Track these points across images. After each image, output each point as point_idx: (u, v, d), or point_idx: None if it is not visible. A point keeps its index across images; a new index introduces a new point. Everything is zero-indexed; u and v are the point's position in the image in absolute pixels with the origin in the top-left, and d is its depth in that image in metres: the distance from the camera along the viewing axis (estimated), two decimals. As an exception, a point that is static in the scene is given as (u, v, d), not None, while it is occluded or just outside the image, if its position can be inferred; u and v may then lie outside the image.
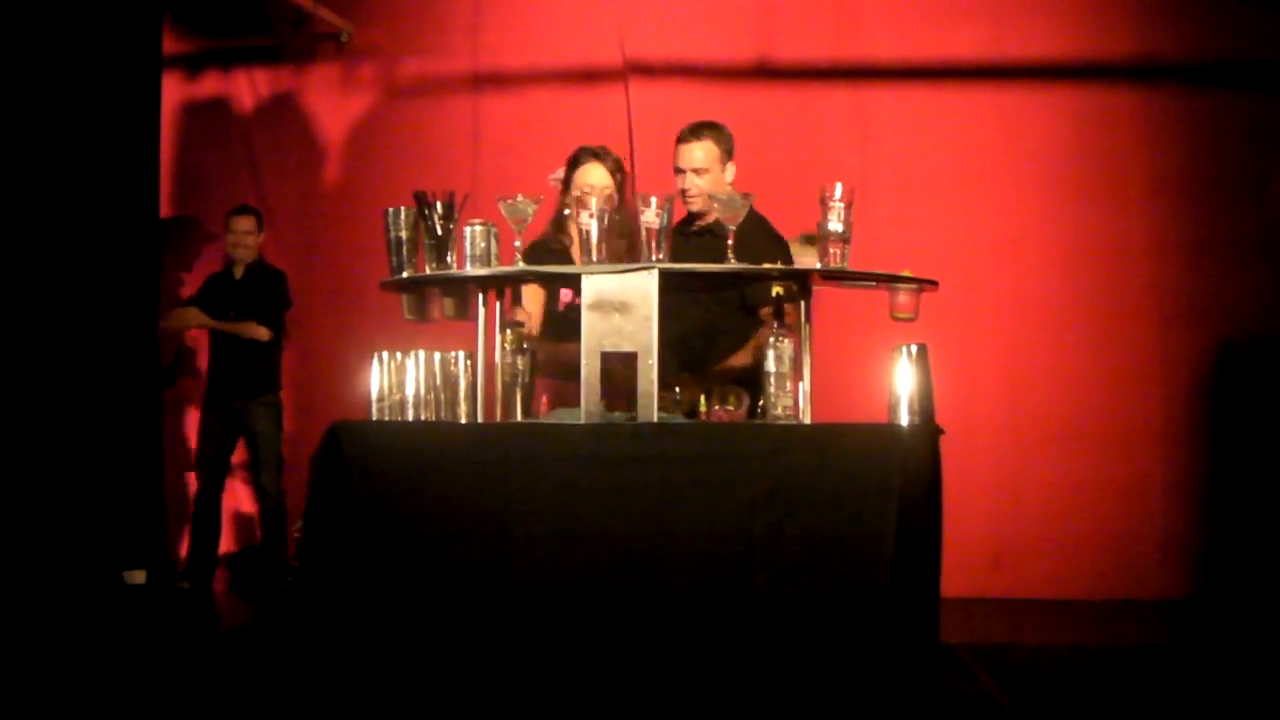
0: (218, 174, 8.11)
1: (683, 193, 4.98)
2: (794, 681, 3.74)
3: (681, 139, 5.03)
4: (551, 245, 5.02)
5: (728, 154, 5.02)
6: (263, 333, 7.27)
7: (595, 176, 4.95)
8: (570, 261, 4.85)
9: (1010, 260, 7.19)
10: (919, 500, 3.75)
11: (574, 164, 5.03)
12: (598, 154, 5.02)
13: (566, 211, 5.01)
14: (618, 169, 5.01)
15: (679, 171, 5.01)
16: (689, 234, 5.05)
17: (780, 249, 4.87)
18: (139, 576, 7.03)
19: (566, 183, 5.02)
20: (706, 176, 4.95)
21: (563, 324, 4.78)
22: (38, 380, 6.79)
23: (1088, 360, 7.10)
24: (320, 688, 4.00)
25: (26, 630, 6.11)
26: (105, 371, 5.85)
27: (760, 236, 4.77)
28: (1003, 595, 6.94)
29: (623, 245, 4.43)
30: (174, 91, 8.18)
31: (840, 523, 3.75)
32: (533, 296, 4.95)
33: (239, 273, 7.41)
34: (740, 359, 4.78)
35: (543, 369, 4.58)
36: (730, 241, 4.07)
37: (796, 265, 4.71)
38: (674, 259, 4.18)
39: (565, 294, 4.88)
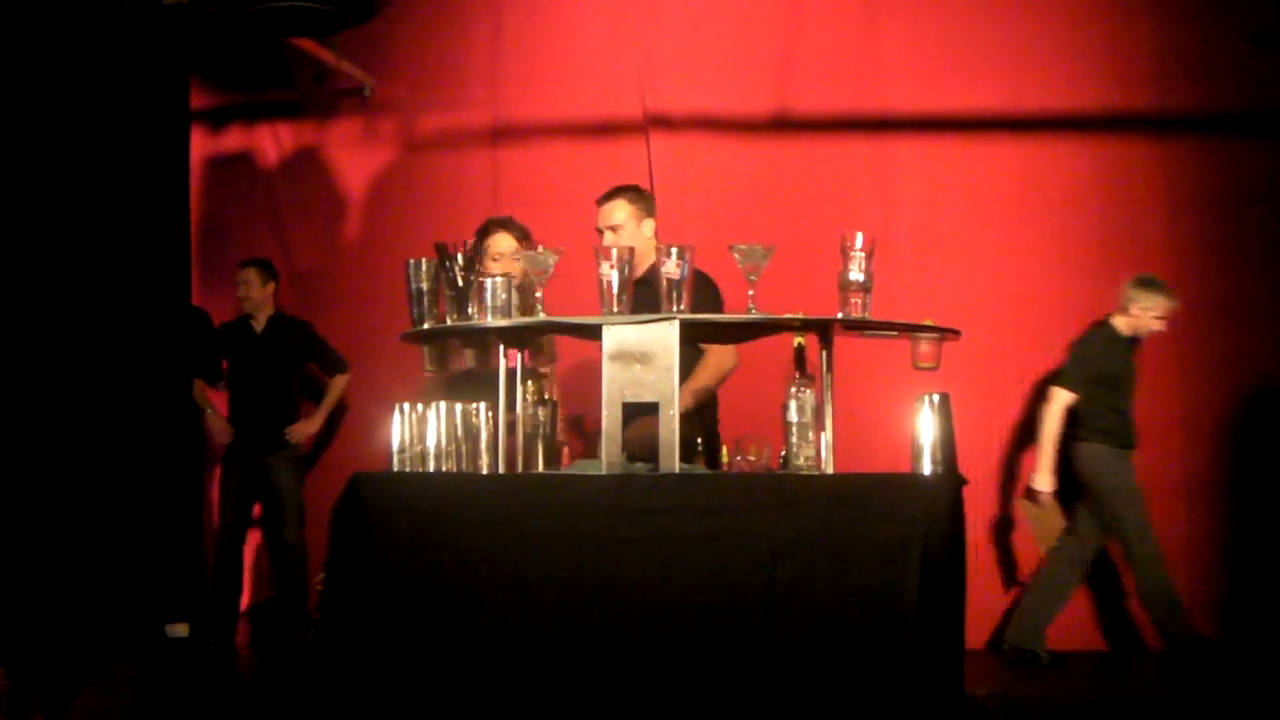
0: (241, 226, 8.15)
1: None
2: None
3: (599, 202, 5.34)
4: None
5: (644, 212, 5.30)
6: (342, 381, 7.48)
7: (504, 244, 5.30)
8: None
9: (1031, 310, 7.17)
10: (942, 549, 3.74)
11: (484, 234, 5.37)
12: (505, 223, 5.44)
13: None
14: (525, 236, 5.36)
15: (599, 231, 5.27)
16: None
17: (710, 290, 4.97)
18: (181, 629, 7.05)
19: (477, 251, 5.23)
20: (623, 233, 5.20)
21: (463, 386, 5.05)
22: (84, 442, 6.86)
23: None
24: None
25: (66, 683, 6.15)
26: (148, 432, 5.91)
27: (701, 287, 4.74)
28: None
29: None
30: (199, 145, 8.25)
31: (863, 572, 3.73)
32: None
33: (259, 326, 7.42)
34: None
35: None
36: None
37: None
38: None
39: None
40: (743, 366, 5.97)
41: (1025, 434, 7.09)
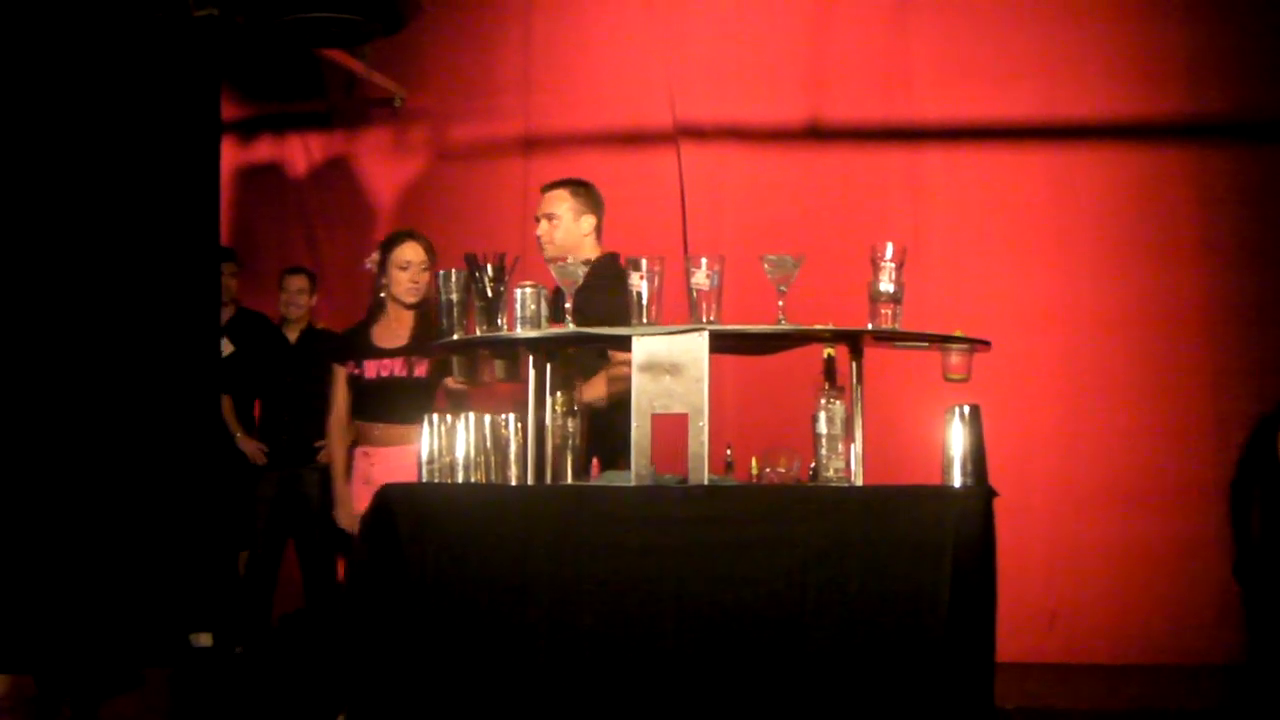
0: (272, 236, 8.18)
1: (538, 239, 5.30)
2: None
3: (542, 190, 5.39)
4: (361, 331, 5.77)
5: (585, 208, 5.31)
6: None
7: (412, 253, 5.51)
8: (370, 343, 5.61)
9: (1063, 320, 7.14)
10: (973, 562, 3.71)
11: (389, 245, 5.60)
12: (413, 234, 5.63)
13: (383, 295, 5.65)
14: (430, 249, 5.57)
15: (536, 220, 5.33)
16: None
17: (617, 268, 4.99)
18: (205, 639, 7.06)
19: (383, 264, 5.52)
20: (559, 224, 5.25)
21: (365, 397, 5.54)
22: (115, 450, 6.88)
23: (1142, 420, 7.03)
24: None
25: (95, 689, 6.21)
26: (179, 440, 5.94)
27: (615, 285, 4.72)
28: (1058, 659, 6.85)
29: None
30: (231, 156, 8.26)
31: (893, 585, 3.71)
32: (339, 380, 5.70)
33: (293, 336, 7.43)
34: (594, 390, 4.94)
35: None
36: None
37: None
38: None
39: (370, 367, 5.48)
40: (773, 377, 6.00)
41: (1056, 446, 7.06)
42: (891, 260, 4.06)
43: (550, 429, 4.21)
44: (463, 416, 4.17)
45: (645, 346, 3.95)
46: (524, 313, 4.17)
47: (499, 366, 4.50)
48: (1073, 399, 7.05)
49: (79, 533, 6.74)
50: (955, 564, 3.70)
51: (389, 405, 5.51)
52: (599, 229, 5.36)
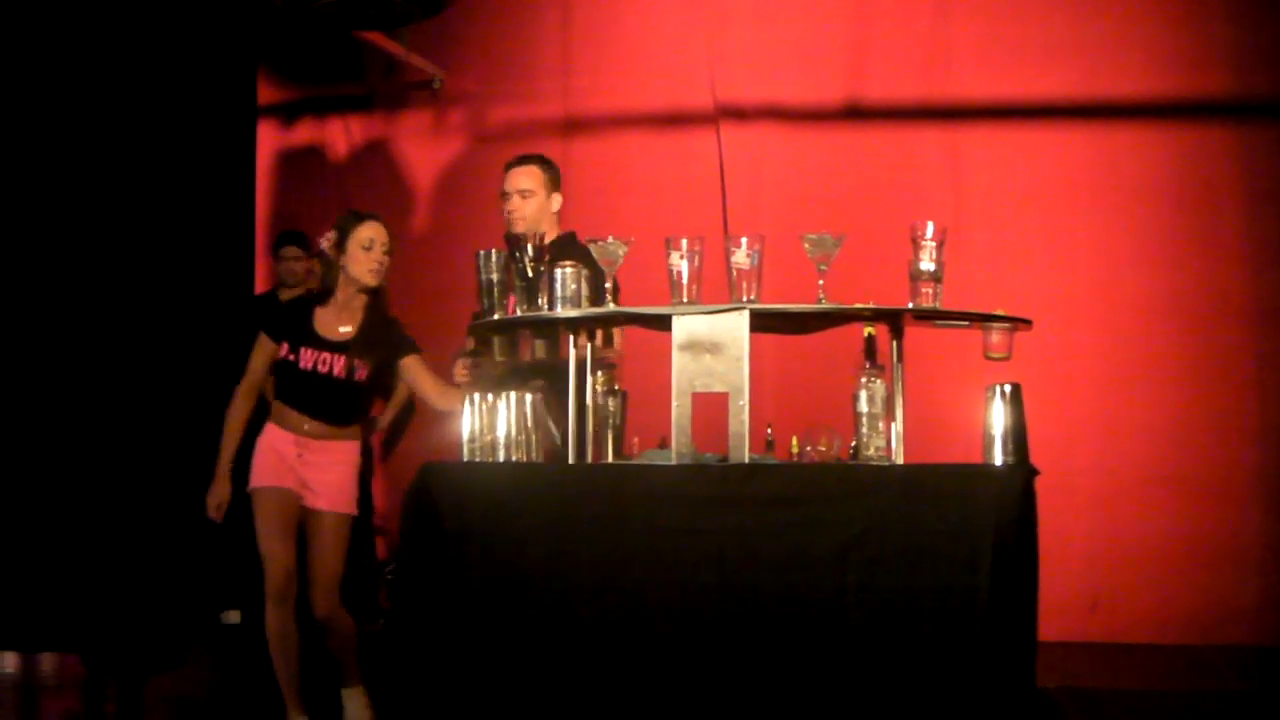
0: (312, 220, 8.18)
1: (508, 215, 5.22)
2: (889, 722, 3.70)
3: (509, 166, 5.31)
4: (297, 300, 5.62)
5: (553, 183, 5.29)
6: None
7: (375, 232, 5.27)
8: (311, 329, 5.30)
9: (1105, 298, 7.10)
10: (1014, 541, 3.70)
11: (350, 224, 5.30)
12: (373, 214, 5.38)
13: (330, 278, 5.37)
14: (391, 234, 5.35)
15: (505, 195, 5.26)
16: None
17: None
18: (234, 616, 7.12)
19: (341, 244, 5.27)
20: (532, 200, 5.21)
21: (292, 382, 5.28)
22: (153, 434, 6.95)
23: (1185, 399, 6.99)
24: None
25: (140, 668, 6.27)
26: (205, 420, 5.98)
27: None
28: (1100, 640, 6.83)
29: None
30: (270, 139, 8.30)
31: (934, 562, 3.71)
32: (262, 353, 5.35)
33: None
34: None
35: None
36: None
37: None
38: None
39: (307, 357, 5.24)
40: (813, 356, 5.99)
41: (1098, 425, 7.03)
42: (932, 239, 4.03)
43: (591, 407, 4.21)
44: (503, 396, 4.17)
45: (686, 325, 3.95)
46: (564, 292, 4.17)
47: (539, 346, 4.50)
48: (1115, 379, 7.01)
49: (121, 518, 6.81)
50: (996, 543, 3.69)
51: (322, 403, 5.25)
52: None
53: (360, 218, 5.32)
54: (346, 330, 5.28)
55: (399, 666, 4.10)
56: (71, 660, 6.79)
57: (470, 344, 5.10)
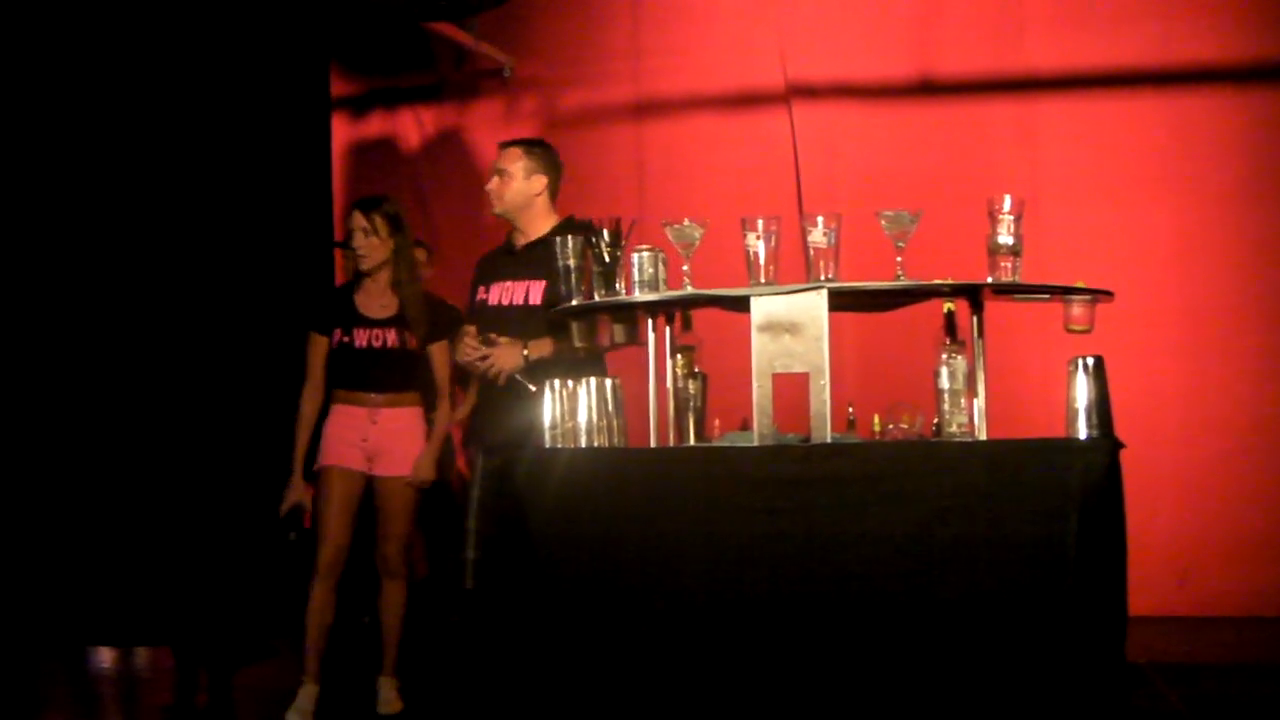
0: (387, 211, 8.25)
1: (488, 194, 5.35)
2: (978, 696, 3.68)
3: (500, 146, 5.40)
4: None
5: (537, 168, 5.29)
6: None
7: (352, 220, 5.54)
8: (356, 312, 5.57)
9: (1186, 267, 7.03)
10: (1100, 514, 3.67)
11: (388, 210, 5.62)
12: (357, 202, 5.70)
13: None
14: (380, 217, 5.56)
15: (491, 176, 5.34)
16: (514, 250, 5.36)
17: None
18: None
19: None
20: (510, 182, 5.25)
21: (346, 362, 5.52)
22: (234, 425, 7.04)
23: (1271, 368, 6.91)
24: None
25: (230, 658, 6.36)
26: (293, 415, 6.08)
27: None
28: (1190, 613, 6.77)
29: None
30: (343, 131, 8.36)
31: (1020, 538, 3.68)
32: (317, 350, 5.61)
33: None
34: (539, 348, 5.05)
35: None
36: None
37: None
38: (500, 273, 5.19)
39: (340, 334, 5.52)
40: (892, 334, 5.95)
41: (1182, 397, 6.96)
42: (1009, 212, 4.01)
43: (672, 390, 4.22)
44: (584, 381, 4.18)
45: (764, 307, 3.95)
46: (642, 276, 4.17)
47: (618, 330, 4.51)
48: (1198, 349, 6.94)
49: (211, 513, 6.91)
50: (1082, 517, 3.66)
51: (384, 375, 5.51)
52: (553, 190, 5.34)
53: (352, 207, 5.65)
54: (386, 307, 5.55)
55: (480, 652, 4.13)
56: (164, 653, 6.88)
57: (472, 330, 5.18)
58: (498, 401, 5.06)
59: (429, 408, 5.69)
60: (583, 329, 4.52)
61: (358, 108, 8.51)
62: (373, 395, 5.48)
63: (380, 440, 5.49)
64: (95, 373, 7.33)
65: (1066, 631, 3.65)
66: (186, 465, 7.06)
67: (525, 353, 4.97)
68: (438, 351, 5.56)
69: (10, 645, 7.07)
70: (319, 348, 5.55)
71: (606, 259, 4.24)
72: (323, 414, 5.59)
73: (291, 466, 5.51)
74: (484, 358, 5.00)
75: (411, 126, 8.43)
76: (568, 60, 8.04)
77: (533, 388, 4.76)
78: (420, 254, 7.45)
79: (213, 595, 6.99)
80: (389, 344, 5.48)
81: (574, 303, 4.34)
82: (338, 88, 8.35)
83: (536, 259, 5.10)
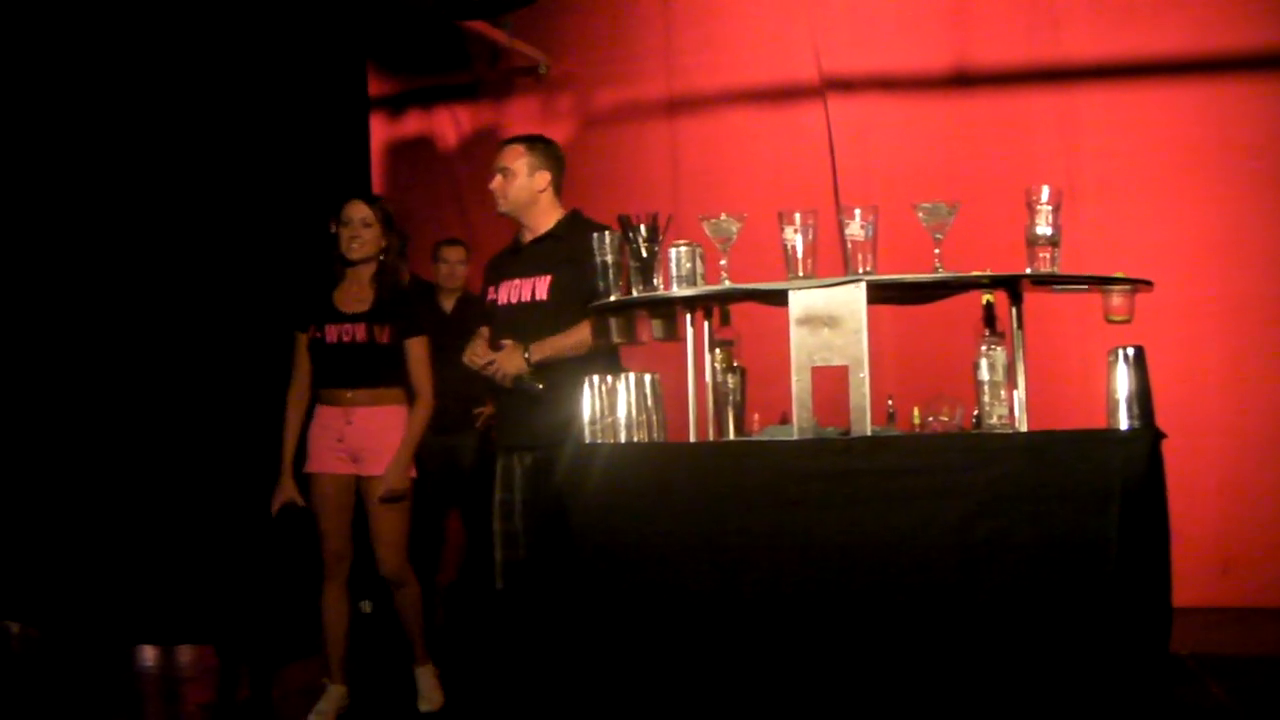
0: (425, 209, 8.28)
1: (492, 192, 5.29)
2: (1019, 688, 3.68)
3: (500, 144, 5.37)
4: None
5: (540, 165, 5.25)
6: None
7: (351, 210, 5.52)
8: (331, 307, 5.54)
9: (1226, 257, 6.99)
10: (1143, 505, 3.66)
11: (338, 206, 5.57)
12: (361, 195, 5.73)
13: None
14: (377, 210, 5.56)
15: (492, 174, 5.31)
16: (520, 248, 5.30)
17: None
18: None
19: (334, 226, 5.56)
20: (513, 179, 5.21)
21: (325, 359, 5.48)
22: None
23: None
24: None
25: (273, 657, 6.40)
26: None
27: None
28: (1233, 604, 6.73)
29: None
30: (380, 131, 8.40)
31: (1062, 529, 3.67)
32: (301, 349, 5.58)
33: (449, 305, 7.48)
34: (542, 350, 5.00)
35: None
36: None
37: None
38: (507, 271, 5.16)
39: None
40: (931, 326, 5.93)
41: (1224, 387, 6.91)
42: (1048, 203, 3.99)
43: (711, 385, 4.22)
44: (622, 376, 4.19)
45: (802, 300, 3.94)
46: (679, 271, 4.17)
47: (656, 326, 4.51)
48: (1239, 338, 6.91)
49: (252, 512, 6.93)
50: (1124, 507, 3.65)
51: (355, 370, 5.43)
52: (557, 185, 5.31)
53: (347, 198, 5.60)
54: (362, 302, 5.50)
55: (520, 649, 4.14)
56: (207, 651, 6.92)
57: (485, 332, 5.20)
58: (515, 405, 5.05)
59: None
60: (621, 325, 4.52)
61: (395, 107, 8.54)
62: (347, 393, 5.41)
63: (359, 440, 5.39)
64: (141, 372, 7.37)
65: (1109, 623, 3.64)
66: (231, 465, 7.10)
67: (527, 355, 4.94)
68: (414, 346, 5.47)
69: (58, 645, 7.14)
70: (301, 345, 5.54)
71: (644, 254, 4.24)
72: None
73: (280, 470, 5.49)
74: (489, 363, 5.00)
75: (448, 125, 8.46)
76: (602, 57, 8.05)
77: (539, 386, 4.83)
78: (459, 252, 7.48)
79: (255, 593, 7.03)
80: (358, 339, 5.41)
81: (612, 298, 4.35)
82: (375, 87, 8.38)
83: (540, 254, 5.12)
